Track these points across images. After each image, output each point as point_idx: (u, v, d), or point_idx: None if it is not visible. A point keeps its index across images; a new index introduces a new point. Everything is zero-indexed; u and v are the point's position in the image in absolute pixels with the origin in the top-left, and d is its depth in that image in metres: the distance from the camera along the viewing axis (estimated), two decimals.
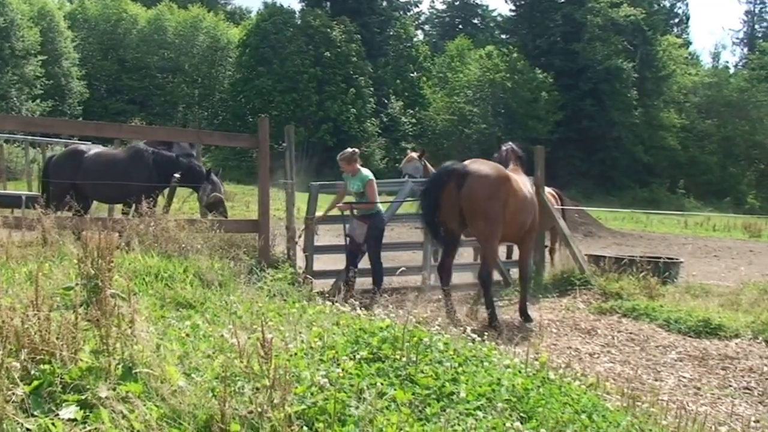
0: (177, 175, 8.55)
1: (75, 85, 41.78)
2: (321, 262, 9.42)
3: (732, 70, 64.20)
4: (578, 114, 48.84)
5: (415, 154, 10.57)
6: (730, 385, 5.76)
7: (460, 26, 68.69)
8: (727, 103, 52.93)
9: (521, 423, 3.19)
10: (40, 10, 41.47)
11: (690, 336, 7.20)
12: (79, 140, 12.36)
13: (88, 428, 2.41)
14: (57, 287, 3.73)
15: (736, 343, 6.95)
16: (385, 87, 51.40)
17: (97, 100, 44.33)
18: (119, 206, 9.85)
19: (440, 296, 7.93)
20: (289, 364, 3.11)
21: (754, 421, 4.81)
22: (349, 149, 8.59)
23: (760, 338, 7.04)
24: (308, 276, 7.94)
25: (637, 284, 8.72)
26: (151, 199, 7.54)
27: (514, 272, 10.32)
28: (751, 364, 6.29)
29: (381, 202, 8.69)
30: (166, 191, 9.70)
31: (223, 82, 49.58)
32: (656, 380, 5.81)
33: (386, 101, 50.67)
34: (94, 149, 9.66)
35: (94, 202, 9.88)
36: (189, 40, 48.59)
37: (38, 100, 37.13)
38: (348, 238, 8.51)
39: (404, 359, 3.59)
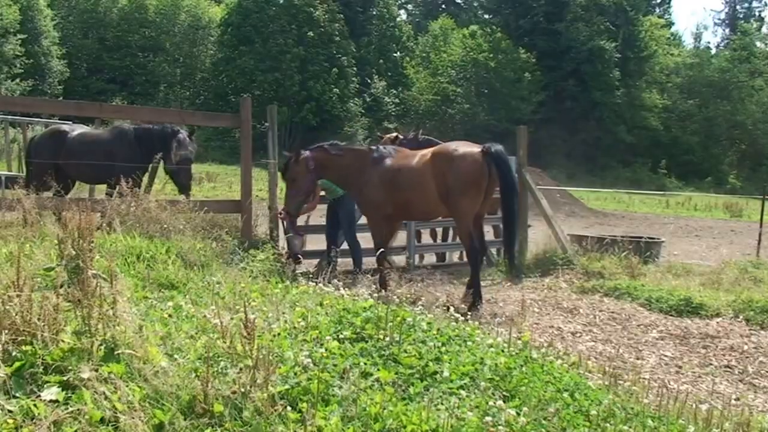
0: (158, 156, 8.45)
1: (55, 64, 41.07)
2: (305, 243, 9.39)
3: (714, 51, 64.57)
4: (561, 94, 48.94)
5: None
6: (711, 364, 5.82)
7: (443, 6, 68.25)
8: (708, 84, 53.24)
9: (504, 401, 3.21)
10: None
11: (671, 315, 7.27)
12: (59, 120, 12.20)
13: (71, 409, 2.39)
14: (38, 268, 3.69)
15: (717, 322, 7.02)
16: (368, 67, 51.06)
17: (78, 79, 43.62)
18: (101, 187, 9.73)
19: (425, 276, 7.98)
20: (273, 345, 3.11)
21: (735, 399, 4.86)
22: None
23: (741, 317, 7.11)
24: (291, 256, 7.94)
25: (619, 264, 8.79)
26: (131, 179, 7.44)
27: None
28: (731, 343, 6.36)
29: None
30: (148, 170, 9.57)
31: (205, 61, 48.93)
32: (638, 359, 5.86)
33: (369, 81, 50.37)
34: (78, 129, 9.52)
35: (76, 183, 9.75)
36: (170, 18, 47.86)
37: (18, 80, 36.48)
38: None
39: (387, 339, 3.60)
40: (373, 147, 7.98)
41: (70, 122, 10.77)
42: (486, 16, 59.28)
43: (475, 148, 7.41)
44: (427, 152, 7.59)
